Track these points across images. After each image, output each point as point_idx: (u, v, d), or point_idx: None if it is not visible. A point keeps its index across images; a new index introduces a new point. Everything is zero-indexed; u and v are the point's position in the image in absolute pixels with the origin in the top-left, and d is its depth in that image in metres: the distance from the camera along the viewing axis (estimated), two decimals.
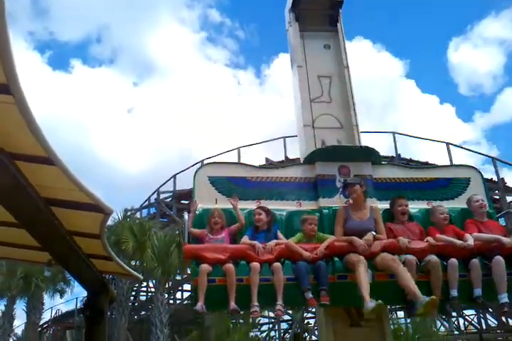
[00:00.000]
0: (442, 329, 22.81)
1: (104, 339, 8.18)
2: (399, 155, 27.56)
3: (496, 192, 26.54)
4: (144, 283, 28.81)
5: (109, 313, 10.28)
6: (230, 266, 4.54)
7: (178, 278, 25.30)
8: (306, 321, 29.29)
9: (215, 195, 5.31)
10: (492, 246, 4.83)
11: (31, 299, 24.49)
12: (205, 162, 5.87)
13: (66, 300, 40.07)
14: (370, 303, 4.20)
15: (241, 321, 20.37)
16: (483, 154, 30.35)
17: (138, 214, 25.75)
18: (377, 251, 4.68)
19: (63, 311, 33.82)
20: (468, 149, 30.76)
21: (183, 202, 30.68)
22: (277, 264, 4.56)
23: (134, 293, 29.43)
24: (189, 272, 24.13)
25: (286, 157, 28.16)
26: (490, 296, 4.74)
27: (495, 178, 26.58)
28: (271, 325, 28.17)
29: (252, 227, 5.04)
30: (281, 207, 5.25)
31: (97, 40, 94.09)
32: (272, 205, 5.20)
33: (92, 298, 7.93)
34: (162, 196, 29.60)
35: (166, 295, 21.26)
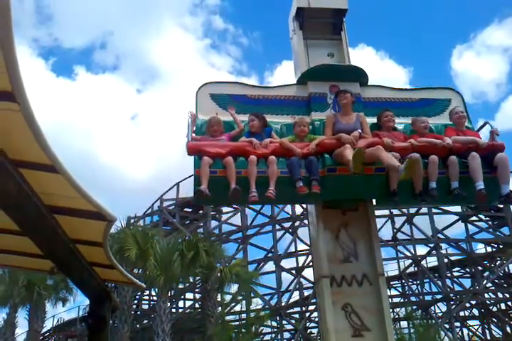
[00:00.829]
0: (446, 339, 22.60)
1: None
2: None
3: None
4: (147, 292, 28.74)
5: (111, 322, 10.23)
6: (229, 158, 4.83)
7: (181, 286, 25.23)
8: (308, 331, 29.12)
9: (216, 109, 5.65)
10: (469, 147, 5.26)
11: (33, 307, 24.39)
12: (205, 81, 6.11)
13: (68, 308, 39.97)
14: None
15: (243, 330, 20.26)
16: None
17: (141, 222, 25.72)
18: (363, 147, 4.88)
19: (65, 319, 33.79)
20: None
21: (186, 209, 30.69)
22: (272, 157, 4.87)
23: (136, 302, 29.37)
24: (191, 280, 24.14)
25: None
26: (466, 190, 5.01)
27: None
28: (273, 335, 28.00)
29: (247, 133, 5.38)
30: (277, 120, 5.66)
31: (100, 46, 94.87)
32: (269, 119, 5.58)
33: (94, 307, 7.90)
34: (165, 204, 29.61)
35: (169, 304, 21.17)
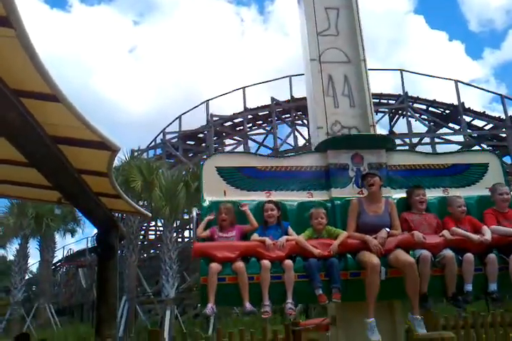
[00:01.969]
0: None
1: (115, 274, 8.49)
2: (406, 93, 27.21)
3: (503, 130, 26.41)
4: (153, 223, 29.47)
5: (119, 251, 10.58)
6: (240, 265, 4.40)
7: (186, 217, 25.83)
8: None
9: (223, 186, 5.06)
10: (510, 240, 4.68)
11: (43, 238, 25.19)
12: (213, 155, 5.43)
13: (77, 239, 41.24)
14: (371, 336, 4.17)
15: None
16: (491, 92, 30.04)
17: (144, 155, 25.89)
18: (391, 248, 4.53)
19: (75, 250, 34.96)
20: (476, 87, 30.39)
21: (188, 142, 30.74)
22: (288, 262, 4.43)
23: (143, 232, 30.19)
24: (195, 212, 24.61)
25: (292, 96, 27.87)
26: (505, 291, 4.67)
27: (503, 116, 26.39)
28: None
29: (261, 224, 4.77)
30: (292, 198, 5.03)
31: None
32: (282, 196, 5.01)
33: (102, 235, 8.15)
34: (168, 137, 29.61)
35: (175, 234, 21.79)
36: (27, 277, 27.13)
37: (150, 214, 10.97)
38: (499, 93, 28.02)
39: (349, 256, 4.57)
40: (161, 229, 24.52)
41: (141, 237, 28.16)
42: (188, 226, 29.10)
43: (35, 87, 3.91)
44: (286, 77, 27.98)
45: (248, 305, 4.28)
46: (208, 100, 28.56)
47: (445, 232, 4.69)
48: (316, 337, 5.21)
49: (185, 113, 29.21)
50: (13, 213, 23.07)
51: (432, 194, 5.13)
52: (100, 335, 6.84)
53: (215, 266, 4.33)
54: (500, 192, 5.00)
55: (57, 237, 26.50)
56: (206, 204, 4.94)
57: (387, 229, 4.62)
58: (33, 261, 31.86)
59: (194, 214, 4.98)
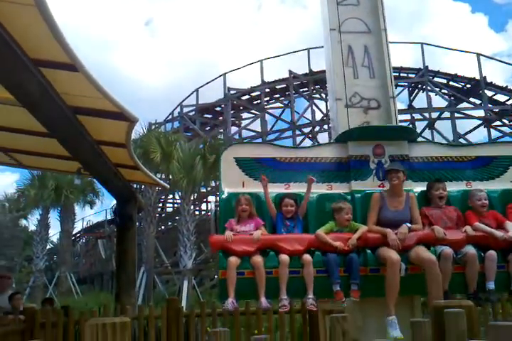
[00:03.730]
0: None
1: (133, 245, 8.66)
2: (427, 67, 26.72)
3: None
4: (170, 195, 29.79)
5: (137, 223, 10.75)
6: (258, 259, 4.33)
7: (203, 190, 26.02)
8: None
9: (242, 177, 4.95)
10: None
11: (63, 209, 25.67)
12: (231, 144, 5.20)
13: (96, 211, 41.90)
14: (392, 332, 4.10)
15: None
16: None
17: (162, 129, 25.97)
18: (411, 244, 4.44)
19: (94, 222, 35.58)
20: (499, 60, 29.65)
21: (206, 115, 30.73)
22: (307, 257, 4.36)
23: (160, 205, 30.56)
24: (213, 184, 24.94)
25: (310, 69, 27.56)
26: None
27: None
28: None
29: (280, 215, 4.68)
30: (312, 190, 4.84)
31: None
32: (301, 188, 4.88)
33: (121, 206, 8.29)
34: (185, 110, 29.61)
35: (192, 207, 22.01)
36: (48, 247, 27.83)
37: (168, 186, 11.10)
38: None
39: (369, 251, 4.50)
40: (179, 201, 24.78)
41: (158, 209, 28.51)
42: (205, 199, 29.34)
43: (54, 57, 3.93)
44: (305, 49, 27.62)
45: (264, 301, 4.26)
46: (225, 73, 28.38)
47: (468, 228, 4.59)
48: (332, 307, 5.25)
49: (202, 86, 29.12)
50: (34, 185, 23.48)
51: (455, 187, 5.01)
52: (120, 303, 7.02)
53: (233, 260, 4.29)
54: None
55: (77, 209, 26.99)
56: (225, 195, 4.87)
57: (408, 225, 4.54)
58: (54, 232, 32.54)
59: (213, 208, 4.95)
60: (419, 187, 5.00)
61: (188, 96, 29.47)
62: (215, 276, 26.04)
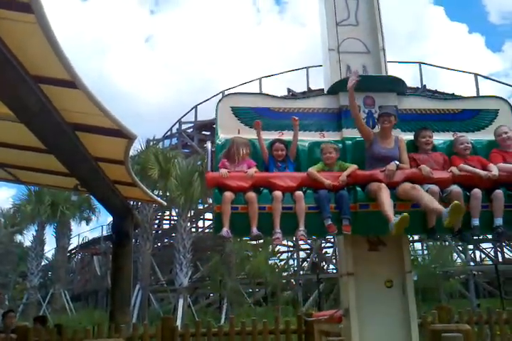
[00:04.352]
0: (459, 260, 23.26)
1: (129, 262, 8.59)
2: (424, 86, 26.94)
3: None
4: (167, 212, 29.68)
5: (133, 240, 10.68)
6: (252, 194, 4.47)
7: (200, 207, 25.95)
8: (323, 250, 30.13)
9: (237, 125, 5.11)
10: None
11: (59, 225, 25.51)
12: (227, 92, 5.48)
13: (92, 228, 41.70)
14: (395, 219, 4.27)
15: (260, 249, 21.04)
16: (511, 85, 29.61)
17: (160, 145, 25.99)
18: (399, 181, 4.57)
19: (90, 238, 35.38)
20: (496, 80, 29.93)
21: (204, 132, 30.81)
22: (299, 193, 4.50)
23: (157, 221, 30.43)
24: (211, 201, 24.81)
25: (308, 88, 27.72)
26: (510, 227, 4.63)
27: None
28: (289, 254, 29.10)
29: (271, 158, 4.94)
30: (304, 138, 5.07)
31: None
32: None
33: (117, 223, 8.25)
34: (184, 127, 29.71)
35: (189, 224, 21.91)
36: (43, 263, 27.59)
37: (165, 203, 11.05)
38: None
39: (358, 188, 4.63)
40: (176, 218, 24.68)
41: (155, 226, 28.38)
42: (201, 216, 29.27)
43: (54, 74, 3.94)
44: (304, 68, 27.83)
45: (255, 230, 4.35)
46: (224, 90, 28.48)
47: (453, 168, 4.76)
48: (328, 328, 5.21)
49: (201, 103, 29.26)
50: (31, 200, 23.42)
51: (442, 138, 5.20)
52: (114, 321, 6.93)
53: (228, 195, 4.42)
54: (499, 133, 5.08)
55: (73, 225, 26.85)
56: (221, 141, 5.00)
57: (397, 162, 4.69)
58: (49, 248, 32.32)
59: (209, 147, 5.08)
60: (407, 137, 5.14)
61: (187, 112, 29.61)
62: (211, 294, 25.87)
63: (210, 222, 29.07)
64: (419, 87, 27.02)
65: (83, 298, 30.99)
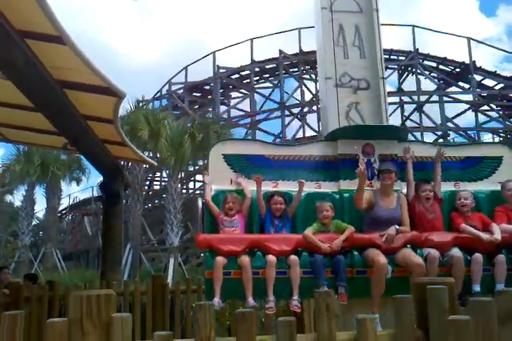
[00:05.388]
0: None
1: (120, 221, 8.65)
2: (417, 50, 26.65)
3: None
4: (158, 174, 29.70)
5: (124, 201, 10.70)
6: (245, 259, 4.35)
7: (191, 169, 25.97)
8: None
9: (230, 174, 4.95)
10: None
11: (49, 185, 25.47)
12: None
13: (82, 188, 41.70)
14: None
15: None
16: (504, 50, 29.38)
17: (150, 106, 25.74)
18: (398, 247, 4.49)
19: (80, 199, 35.42)
20: (489, 45, 29.65)
21: (194, 94, 30.49)
22: (294, 258, 4.38)
23: (148, 183, 30.48)
24: (201, 163, 24.93)
25: (300, 49, 27.35)
26: None
27: None
28: None
29: (269, 214, 4.70)
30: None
31: None
32: (290, 186, 4.89)
33: (108, 182, 8.24)
34: (174, 88, 29.34)
35: (179, 185, 21.96)
36: (34, 223, 27.67)
37: (155, 163, 11.05)
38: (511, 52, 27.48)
39: (355, 252, 4.53)
40: (166, 179, 24.72)
41: (146, 187, 28.44)
42: (192, 178, 29.31)
43: (40, 28, 3.85)
44: (296, 29, 27.35)
45: (251, 300, 4.26)
46: (215, 51, 28.11)
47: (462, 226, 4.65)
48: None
49: (191, 64, 28.81)
50: (20, 160, 23.23)
51: (443, 188, 4.98)
52: (105, 279, 7.04)
53: (220, 260, 4.30)
54: (509, 188, 4.89)
55: (63, 185, 26.80)
56: (212, 193, 4.84)
57: (397, 227, 4.56)
58: (40, 208, 32.34)
59: (200, 204, 4.83)
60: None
61: (177, 73, 29.20)
62: (201, 254, 26.19)
63: (201, 184, 29.20)
64: (412, 50, 26.75)
65: (75, 258, 31.30)
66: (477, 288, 4.44)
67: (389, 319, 4.27)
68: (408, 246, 4.52)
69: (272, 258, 4.33)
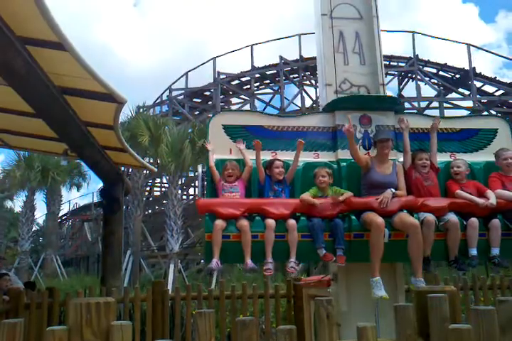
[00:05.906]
0: None
1: (120, 227, 8.64)
2: (417, 56, 26.72)
3: None
4: (158, 179, 29.71)
5: (124, 207, 10.70)
6: (244, 222, 4.39)
7: (191, 175, 25.98)
8: None
9: (229, 144, 4.99)
10: None
11: (49, 191, 25.50)
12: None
13: (82, 194, 41.71)
14: (377, 292, 4.19)
15: None
16: (504, 57, 29.50)
17: (150, 112, 25.77)
18: (395, 210, 4.52)
19: (80, 205, 35.44)
20: (489, 51, 29.77)
21: (195, 100, 30.55)
22: (292, 222, 4.43)
23: (148, 188, 30.48)
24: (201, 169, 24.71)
25: (300, 56, 27.44)
26: (507, 256, 4.64)
27: None
28: None
29: (268, 179, 4.74)
30: (299, 158, 4.91)
31: None
32: (288, 156, 4.94)
33: (108, 188, 8.24)
34: (174, 93, 29.40)
35: (180, 191, 21.97)
36: (34, 229, 27.67)
37: (155, 169, 11.05)
38: (511, 58, 27.56)
39: (353, 217, 4.57)
40: (166, 185, 24.71)
41: (146, 193, 28.44)
42: (192, 184, 29.33)
43: (41, 35, 3.86)
44: (296, 35, 27.47)
45: (250, 262, 4.31)
46: (216, 57, 28.17)
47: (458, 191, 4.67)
48: (317, 292, 5.30)
49: (192, 70, 28.90)
50: (20, 166, 23.26)
51: (439, 159, 5.04)
52: (105, 285, 7.02)
53: (219, 223, 4.34)
54: (504, 157, 4.94)
55: (63, 191, 26.85)
56: (214, 161, 4.88)
57: (393, 190, 4.61)
58: (40, 214, 32.33)
59: (200, 170, 4.97)
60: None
61: (178, 79, 29.28)
62: (202, 260, 26.16)
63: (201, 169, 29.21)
64: (412, 56, 26.82)
65: (74, 264, 31.28)
66: (474, 251, 4.48)
67: (384, 282, 4.36)
68: (405, 211, 4.55)
69: (271, 221, 4.39)
